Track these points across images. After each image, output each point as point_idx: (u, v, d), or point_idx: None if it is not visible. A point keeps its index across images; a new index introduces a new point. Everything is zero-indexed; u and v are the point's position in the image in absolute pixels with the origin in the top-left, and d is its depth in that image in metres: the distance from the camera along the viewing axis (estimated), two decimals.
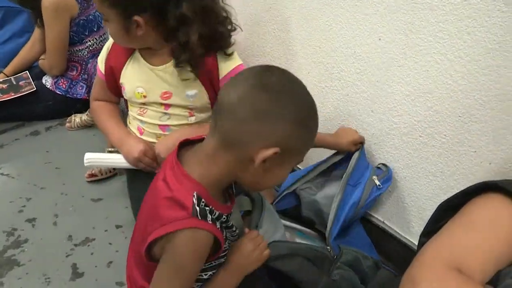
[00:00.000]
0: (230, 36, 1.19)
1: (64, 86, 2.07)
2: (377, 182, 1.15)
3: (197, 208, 0.72)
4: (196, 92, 1.19)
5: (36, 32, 2.07)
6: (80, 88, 2.08)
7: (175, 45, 1.11)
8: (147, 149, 1.20)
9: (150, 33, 1.11)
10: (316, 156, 1.31)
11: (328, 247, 1.08)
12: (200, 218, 0.73)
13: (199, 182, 0.75)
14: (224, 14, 1.16)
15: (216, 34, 1.13)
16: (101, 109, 1.35)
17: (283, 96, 0.70)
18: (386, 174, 1.18)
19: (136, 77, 1.22)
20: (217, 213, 0.76)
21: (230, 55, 1.20)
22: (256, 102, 0.70)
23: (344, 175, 1.11)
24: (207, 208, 0.74)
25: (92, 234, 1.52)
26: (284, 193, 1.28)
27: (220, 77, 1.19)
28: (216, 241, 0.78)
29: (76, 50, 2.03)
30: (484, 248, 0.70)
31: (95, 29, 2.03)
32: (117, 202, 1.65)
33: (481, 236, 0.72)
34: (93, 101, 1.37)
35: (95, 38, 2.04)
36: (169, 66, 1.18)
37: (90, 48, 2.04)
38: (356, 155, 1.15)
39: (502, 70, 0.89)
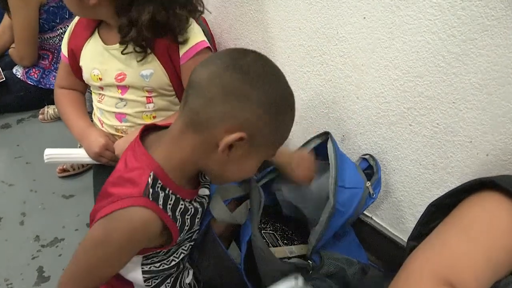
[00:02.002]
0: (188, 20, 1.10)
1: (36, 76, 1.96)
2: (371, 191, 1.02)
3: (150, 190, 0.70)
4: (151, 72, 1.11)
5: (6, 19, 1.94)
6: (53, 78, 1.96)
7: (124, 21, 1.03)
8: (108, 143, 1.14)
9: (103, 3, 1.03)
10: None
11: (310, 261, 0.97)
12: (151, 199, 0.70)
13: (158, 163, 0.72)
14: None
15: (172, 19, 1.04)
16: (64, 98, 1.27)
17: (255, 79, 0.67)
18: (376, 176, 1.06)
19: (93, 58, 1.14)
20: (173, 198, 0.74)
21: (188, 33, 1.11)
22: (226, 81, 0.67)
23: (331, 181, 0.96)
24: (162, 192, 0.72)
25: (61, 234, 1.43)
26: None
27: (181, 54, 1.10)
28: (168, 230, 0.75)
29: (47, 38, 1.92)
30: (480, 257, 0.61)
31: (67, 16, 1.91)
32: (90, 199, 1.53)
33: (476, 243, 0.62)
34: (57, 88, 1.28)
35: (67, 26, 1.91)
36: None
37: (62, 36, 1.92)
38: (331, 151, 1.00)
39: (501, 50, 0.79)
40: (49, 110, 1.98)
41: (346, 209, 0.99)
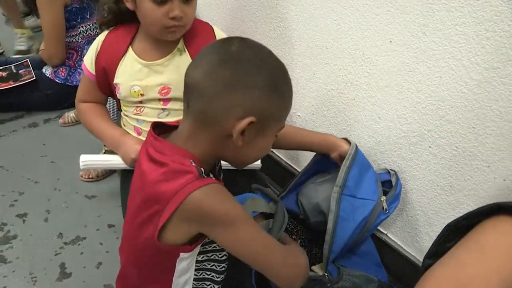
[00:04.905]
0: None
1: (63, 74, 2.03)
2: (385, 206, 1.05)
3: (202, 169, 0.72)
4: None
5: None
6: (79, 75, 2.02)
7: None
8: None
9: None
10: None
11: (326, 274, 0.99)
12: (206, 177, 0.72)
13: (191, 153, 0.73)
14: None
15: None
16: (90, 111, 1.28)
17: (246, 64, 0.71)
18: (393, 192, 1.08)
19: (131, 76, 1.17)
20: None
21: None
22: (221, 75, 0.70)
23: (334, 189, 1.01)
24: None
25: (83, 233, 1.47)
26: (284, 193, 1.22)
27: None
28: None
29: (70, 36, 1.99)
30: (494, 278, 0.63)
31: (88, 16, 1.97)
32: (112, 200, 1.60)
33: (491, 265, 0.65)
34: (79, 103, 1.29)
35: (88, 25, 1.99)
36: (167, 60, 1.15)
37: (84, 34, 1.98)
38: (347, 161, 1.03)
39: None
40: (70, 113, 2.03)
41: (353, 217, 1.00)
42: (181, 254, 0.76)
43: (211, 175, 0.77)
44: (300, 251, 0.84)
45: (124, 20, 1.16)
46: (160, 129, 0.81)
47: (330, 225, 0.99)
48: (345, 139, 1.12)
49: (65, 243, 1.43)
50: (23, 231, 1.47)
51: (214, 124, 0.72)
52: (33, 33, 2.71)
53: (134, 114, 1.22)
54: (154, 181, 0.72)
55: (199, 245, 0.78)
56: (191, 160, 0.72)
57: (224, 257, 0.86)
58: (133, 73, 1.16)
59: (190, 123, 0.74)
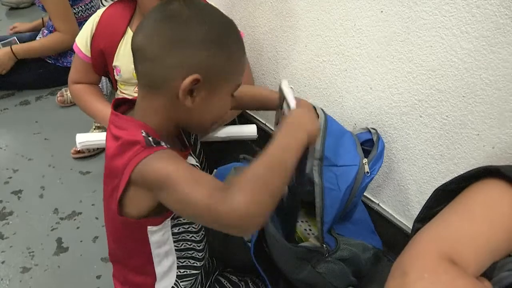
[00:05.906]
0: None
1: (54, 54, 2.00)
2: (367, 169, 1.04)
3: (150, 139, 0.69)
4: None
5: None
6: (70, 56, 2.01)
7: None
8: None
9: None
10: None
11: (324, 245, 1.00)
12: (154, 145, 0.69)
13: (144, 122, 0.72)
14: None
15: None
16: (85, 93, 1.27)
17: (186, 21, 0.68)
18: (375, 152, 1.07)
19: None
20: (168, 147, 0.71)
21: None
22: (161, 35, 0.68)
23: (314, 162, 1.00)
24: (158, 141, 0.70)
25: (78, 208, 1.48)
26: None
27: None
28: None
29: None
30: (481, 238, 0.65)
31: None
32: None
33: (478, 225, 0.67)
34: (72, 85, 1.28)
35: (81, 6, 1.96)
36: None
37: (76, 16, 1.95)
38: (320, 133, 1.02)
39: None
40: (68, 93, 2.01)
41: (338, 186, 1.00)
42: (149, 227, 0.75)
43: (163, 143, 0.71)
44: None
45: None
46: (125, 105, 0.80)
47: (317, 198, 0.98)
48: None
49: (61, 218, 1.44)
50: (19, 208, 1.48)
51: (161, 87, 0.70)
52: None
53: (135, 92, 1.21)
54: (111, 156, 0.71)
55: (169, 219, 0.77)
56: (142, 130, 0.70)
57: (199, 226, 0.87)
58: None
59: (141, 90, 0.73)
